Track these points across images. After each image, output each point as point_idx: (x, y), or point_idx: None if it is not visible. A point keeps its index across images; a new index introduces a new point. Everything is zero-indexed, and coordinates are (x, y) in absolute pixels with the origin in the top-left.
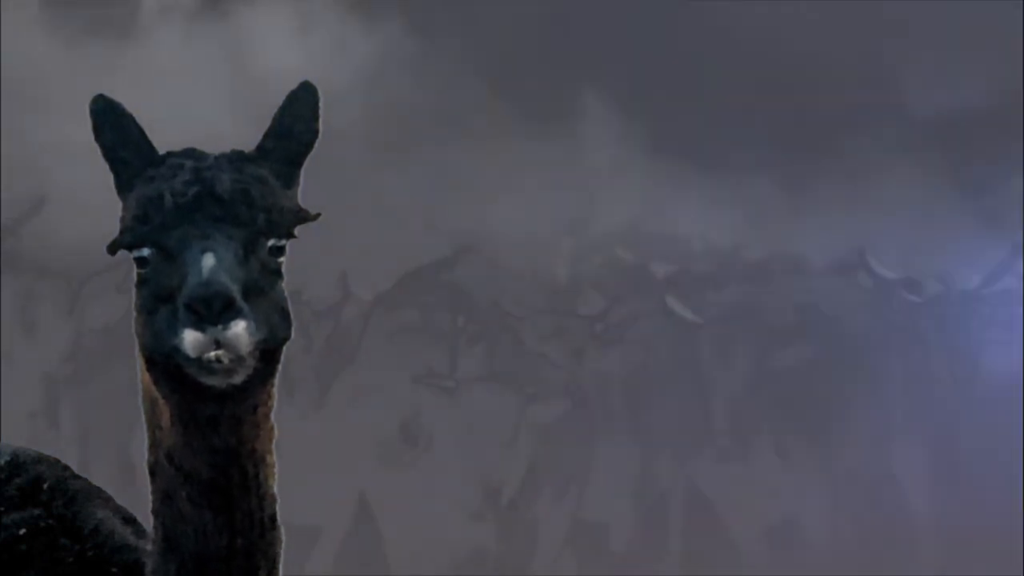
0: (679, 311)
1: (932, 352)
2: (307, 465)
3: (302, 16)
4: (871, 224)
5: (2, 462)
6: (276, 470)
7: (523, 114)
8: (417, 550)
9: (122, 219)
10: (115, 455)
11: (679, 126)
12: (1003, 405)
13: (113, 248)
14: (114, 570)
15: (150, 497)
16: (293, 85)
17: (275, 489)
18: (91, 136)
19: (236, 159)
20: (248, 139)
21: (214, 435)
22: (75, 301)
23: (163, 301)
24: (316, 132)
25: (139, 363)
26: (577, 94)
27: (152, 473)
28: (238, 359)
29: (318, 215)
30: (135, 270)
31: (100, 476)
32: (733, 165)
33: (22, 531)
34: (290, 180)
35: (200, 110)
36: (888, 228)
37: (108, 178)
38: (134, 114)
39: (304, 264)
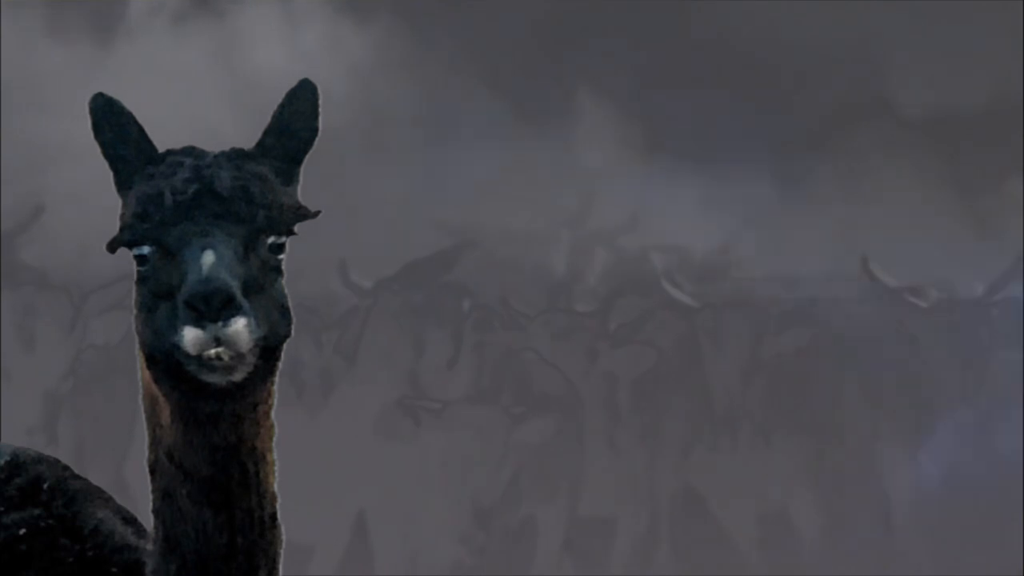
0: (675, 309)
1: (931, 354)
2: (305, 464)
3: (295, 15)
4: (869, 225)
5: (2, 462)
6: (276, 468)
7: (518, 114)
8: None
9: (122, 217)
10: (113, 473)
11: (675, 125)
12: (1005, 411)
13: (113, 246)
14: (114, 570)
15: (150, 498)
16: (287, 83)
17: (275, 487)
18: (91, 139)
19: (236, 156)
20: (242, 137)
21: (214, 432)
22: (76, 316)
23: (163, 298)
24: (316, 130)
25: (139, 361)
26: (571, 93)
27: (152, 472)
28: (238, 356)
29: (318, 212)
30: (135, 268)
31: None
32: (730, 165)
33: (22, 531)
34: (290, 177)
35: (194, 109)
36: (887, 229)
37: (109, 188)
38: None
39: (298, 262)
